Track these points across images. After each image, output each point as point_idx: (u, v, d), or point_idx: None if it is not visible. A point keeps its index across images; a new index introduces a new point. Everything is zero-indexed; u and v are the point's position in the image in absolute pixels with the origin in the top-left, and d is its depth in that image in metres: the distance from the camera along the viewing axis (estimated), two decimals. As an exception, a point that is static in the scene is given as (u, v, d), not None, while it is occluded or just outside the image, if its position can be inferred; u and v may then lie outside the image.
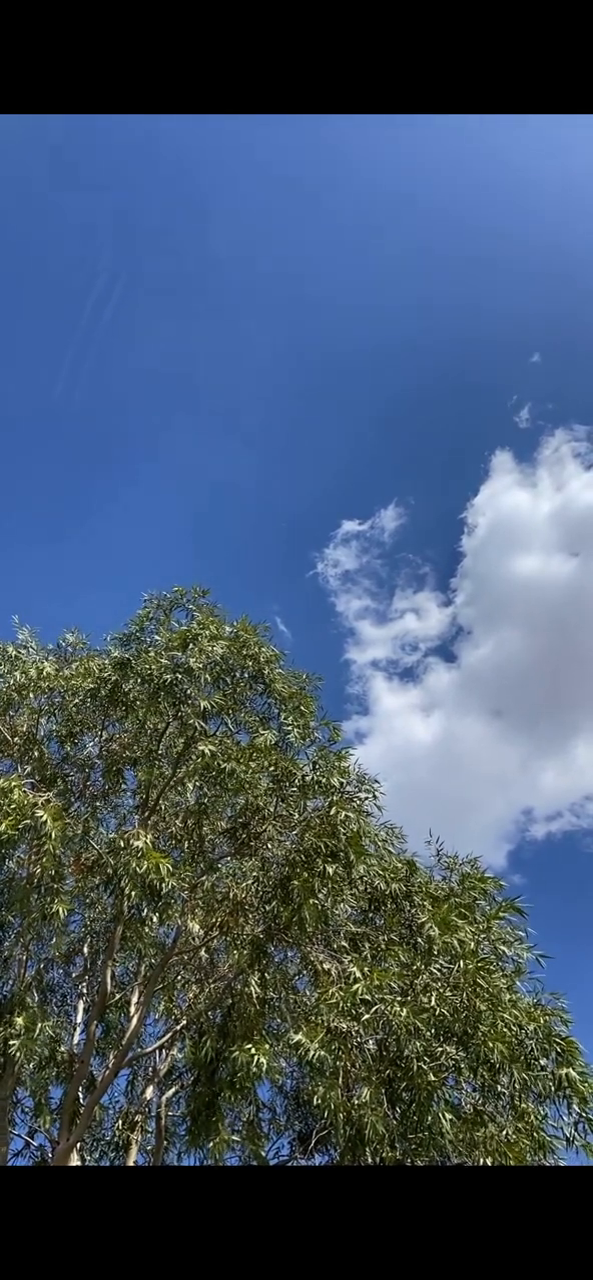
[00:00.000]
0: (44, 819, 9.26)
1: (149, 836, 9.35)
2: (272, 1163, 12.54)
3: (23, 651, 11.97)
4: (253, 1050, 8.51)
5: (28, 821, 9.34)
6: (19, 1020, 8.89)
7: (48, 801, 9.72)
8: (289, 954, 10.86)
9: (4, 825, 9.14)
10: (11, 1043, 8.77)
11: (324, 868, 9.59)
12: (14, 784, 9.60)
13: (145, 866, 8.83)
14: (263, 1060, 8.44)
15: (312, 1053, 7.82)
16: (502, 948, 9.49)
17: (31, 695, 11.53)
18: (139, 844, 9.07)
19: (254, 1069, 8.43)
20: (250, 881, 10.63)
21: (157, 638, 11.31)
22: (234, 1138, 10.62)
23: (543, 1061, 8.87)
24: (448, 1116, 7.78)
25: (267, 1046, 8.79)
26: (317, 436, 36.50)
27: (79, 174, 30.62)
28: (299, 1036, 8.00)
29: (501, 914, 9.71)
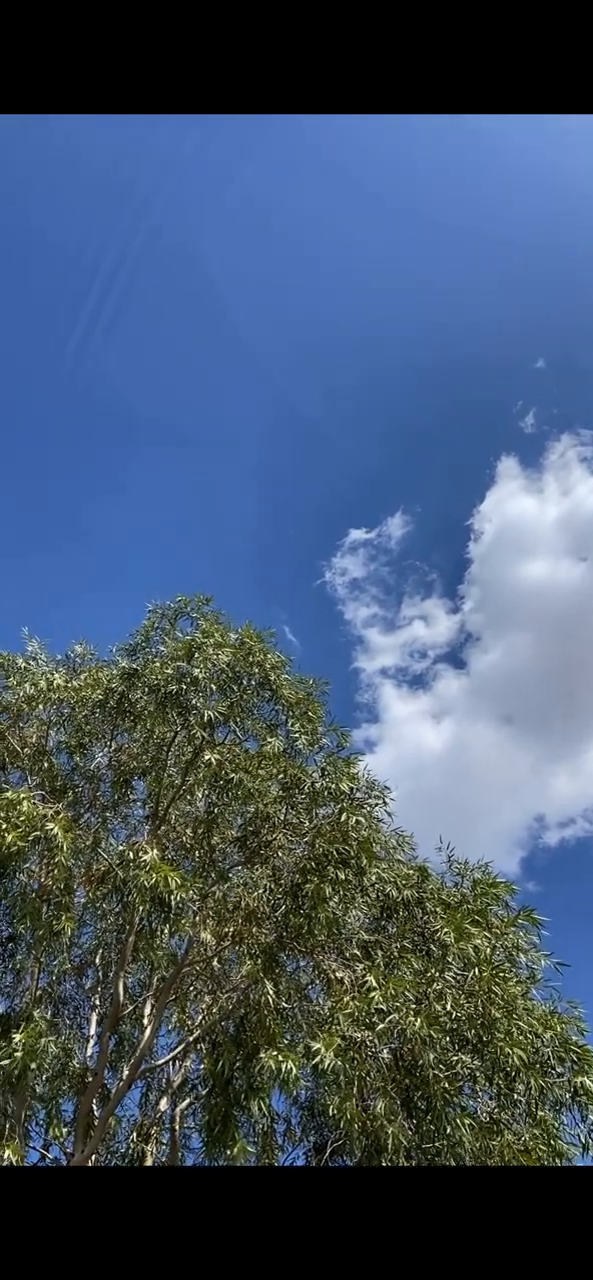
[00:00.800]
0: (54, 830, 9.25)
1: (155, 850, 9.29)
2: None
3: (32, 663, 11.98)
4: (280, 1056, 8.37)
5: (38, 833, 9.33)
6: (17, 1037, 8.81)
7: (57, 813, 9.71)
8: (302, 963, 10.78)
9: (12, 837, 9.13)
10: (3, 1061, 8.70)
11: (335, 874, 9.53)
12: (24, 796, 9.61)
13: (154, 879, 8.78)
14: (292, 1066, 8.27)
15: (327, 1062, 7.73)
16: (518, 954, 9.38)
17: (41, 707, 11.53)
18: (147, 857, 9.02)
19: (282, 1076, 8.27)
20: (262, 890, 10.57)
21: (162, 648, 11.30)
22: (249, 1150, 10.52)
23: (559, 1069, 8.77)
24: (466, 1122, 7.69)
25: (292, 1055, 8.64)
26: (323, 445, 36.57)
27: (77, 173, 30.75)
28: (317, 1045, 7.91)
29: (517, 921, 9.60)
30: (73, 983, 13.12)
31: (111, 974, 12.50)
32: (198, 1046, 12.20)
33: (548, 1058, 8.68)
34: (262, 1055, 8.65)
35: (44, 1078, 11.15)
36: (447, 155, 31.77)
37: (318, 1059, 7.83)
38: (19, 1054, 8.48)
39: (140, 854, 9.16)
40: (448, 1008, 8.38)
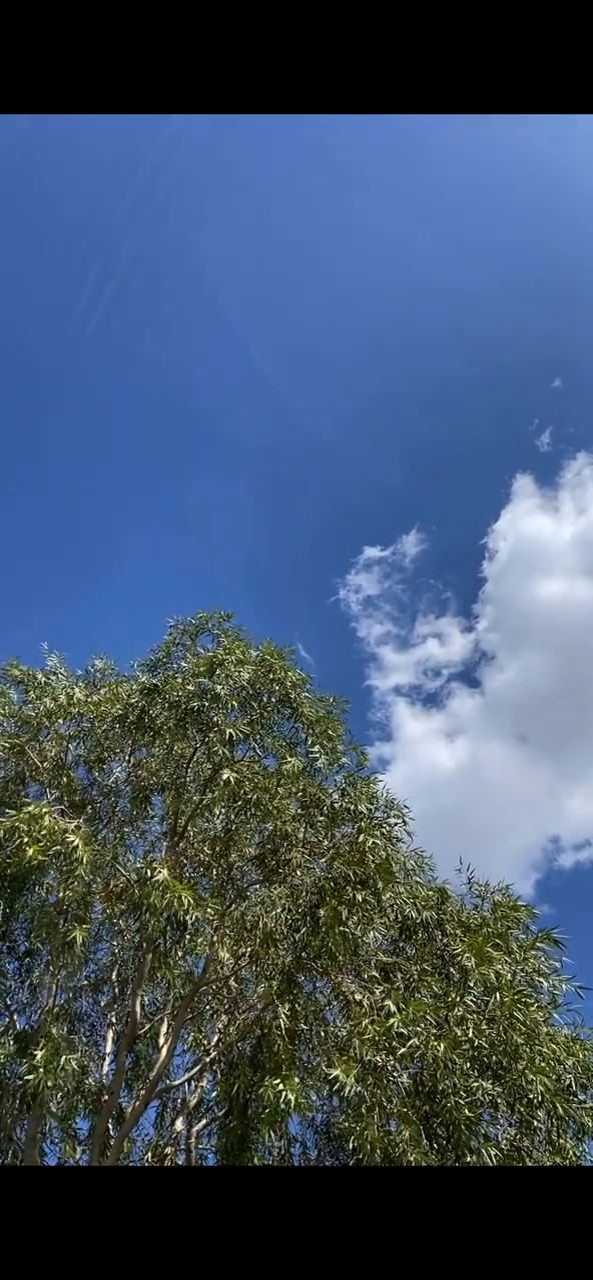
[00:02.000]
0: (75, 844, 9.26)
1: (166, 870, 9.25)
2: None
3: (52, 678, 12.06)
4: (281, 1085, 8.32)
5: (58, 847, 9.34)
6: (39, 1054, 8.81)
7: (78, 827, 9.73)
8: (319, 984, 10.70)
9: (34, 851, 9.15)
10: (28, 1077, 8.70)
11: (354, 895, 9.47)
12: (45, 810, 9.64)
13: (168, 899, 8.75)
14: (291, 1096, 8.21)
15: (348, 1088, 7.66)
16: (539, 979, 9.27)
17: (60, 721, 11.60)
18: (159, 877, 9.00)
19: (282, 1105, 8.22)
20: (280, 910, 10.52)
21: (183, 664, 11.32)
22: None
23: (581, 1096, 8.65)
24: (492, 1151, 7.60)
25: (295, 1081, 8.58)
26: (338, 463, 36.70)
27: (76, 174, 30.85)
28: (336, 1071, 7.84)
29: (537, 944, 9.49)
30: (89, 1000, 13.09)
31: (128, 991, 12.46)
32: (214, 1068, 12.11)
33: (571, 1084, 8.56)
34: (263, 1086, 8.58)
35: (59, 1096, 11.11)
36: (461, 167, 32.00)
37: (338, 1085, 7.77)
38: (41, 1070, 8.46)
39: (155, 874, 9.13)
40: (469, 1033, 8.29)
